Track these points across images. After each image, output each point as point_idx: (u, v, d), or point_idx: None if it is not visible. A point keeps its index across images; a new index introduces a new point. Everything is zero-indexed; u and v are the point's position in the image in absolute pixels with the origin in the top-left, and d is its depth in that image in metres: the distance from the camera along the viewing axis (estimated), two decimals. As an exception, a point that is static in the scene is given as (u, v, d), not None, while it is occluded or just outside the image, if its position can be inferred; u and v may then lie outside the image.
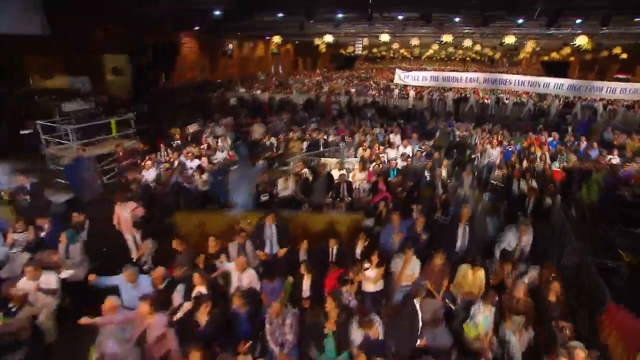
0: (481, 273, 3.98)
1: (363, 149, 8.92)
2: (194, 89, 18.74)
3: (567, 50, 25.43)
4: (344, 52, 41.16)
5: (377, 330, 3.11)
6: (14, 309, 3.60)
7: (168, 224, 5.43)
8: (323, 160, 7.76)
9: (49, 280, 3.91)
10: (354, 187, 6.64)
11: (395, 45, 31.70)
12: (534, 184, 6.90)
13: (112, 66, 14.58)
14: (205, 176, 6.96)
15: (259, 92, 20.19)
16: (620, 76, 26.59)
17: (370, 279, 3.90)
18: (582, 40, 16.27)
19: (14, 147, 8.02)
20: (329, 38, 20.61)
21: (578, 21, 13.04)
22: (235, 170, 7.24)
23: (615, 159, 8.44)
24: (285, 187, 6.52)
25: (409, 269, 3.97)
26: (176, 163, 7.60)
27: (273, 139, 9.63)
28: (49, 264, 4.14)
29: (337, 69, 43.86)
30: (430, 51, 39.43)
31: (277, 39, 23.90)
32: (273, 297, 3.66)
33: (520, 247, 4.40)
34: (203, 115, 13.08)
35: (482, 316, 3.41)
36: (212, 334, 2.95)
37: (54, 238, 4.66)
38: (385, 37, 20.14)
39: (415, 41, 21.25)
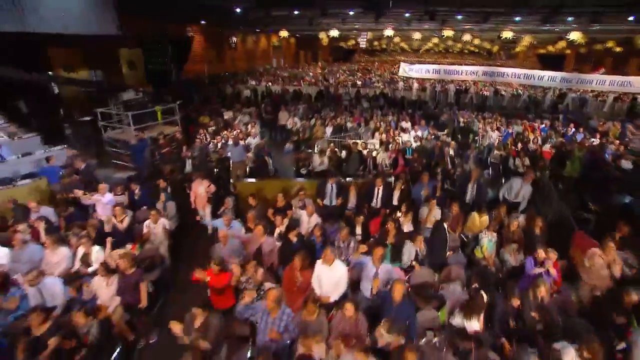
0: (485, 217, 5.44)
1: (380, 133, 10.36)
2: (208, 82, 19.95)
3: (562, 44, 26.92)
4: (344, 45, 42.25)
5: (423, 246, 4.56)
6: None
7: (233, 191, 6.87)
8: (353, 141, 9.18)
9: (165, 223, 5.32)
10: (377, 162, 8.10)
11: (397, 39, 33.08)
12: (527, 161, 8.41)
13: (128, 60, 15.40)
14: (250, 154, 8.38)
15: (269, 84, 21.44)
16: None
17: (404, 220, 5.36)
18: (575, 35, 17.84)
19: (75, 133, 9.31)
20: (335, 32, 21.90)
21: (570, 19, 14.51)
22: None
23: (596, 141, 9.98)
24: (322, 162, 7.96)
25: (433, 215, 5.44)
26: (219, 145, 9.00)
27: (299, 124, 11.03)
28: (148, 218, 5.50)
29: (336, 61, 45.14)
30: (430, 44, 40.73)
31: (283, 33, 25.09)
32: (333, 235, 5.09)
33: (522, 192, 5.86)
34: (223, 106, 14.43)
35: (487, 239, 4.89)
36: (300, 247, 4.35)
37: (143, 200, 6.03)
38: (389, 32, 21.46)
39: (417, 35, 22.68)
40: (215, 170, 7.75)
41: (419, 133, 10.42)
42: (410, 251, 4.45)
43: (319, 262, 3.82)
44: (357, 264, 4.19)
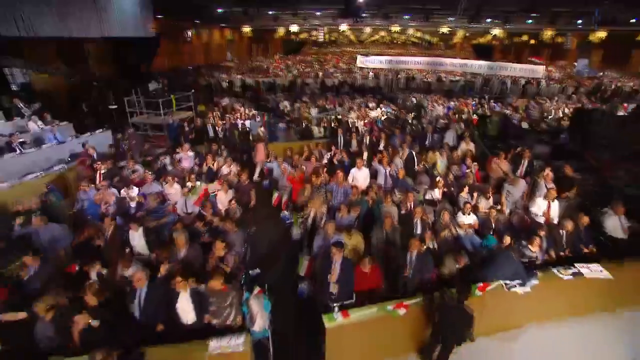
0: (437, 153, 8.95)
1: (354, 111, 13.73)
2: (182, 75, 21.82)
3: (489, 37, 32.61)
4: (295, 38, 45.11)
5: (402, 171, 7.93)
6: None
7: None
8: (342, 115, 12.44)
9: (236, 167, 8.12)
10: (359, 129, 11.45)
11: (348, 32, 36.86)
12: (462, 125, 12.29)
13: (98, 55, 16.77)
14: (262, 129, 11.26)
15: (239, 76, 23.80)
16: (536, 60, 34.77)
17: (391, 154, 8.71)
18: (496, 31, 22.79)
19: (106, 118, 11.37)
20: (295, 28, 24.93)
21: (488, 20, 19.12)
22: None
23: (508, 111, 14.32)
24: (319, 132, 11.11)
25: (405, 152, 8.84)
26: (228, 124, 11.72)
27: (288, 107, 14.02)
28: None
29: (288, 54, 47.94)
30: (377, 36, 45.19)
31: (247, 29, 27.53)
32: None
33: (462, 149, 9.52)
34: (210, 95, 16.82)
35: (440, 162, 8.40)
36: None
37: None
38: (344, 27, 25.03)
39: (367, 30, 26.52)
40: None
41: (384, 109, 13.97)
42: (397, 163, 7.81)
43: (354, 169, 7.01)
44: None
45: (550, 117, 14.30)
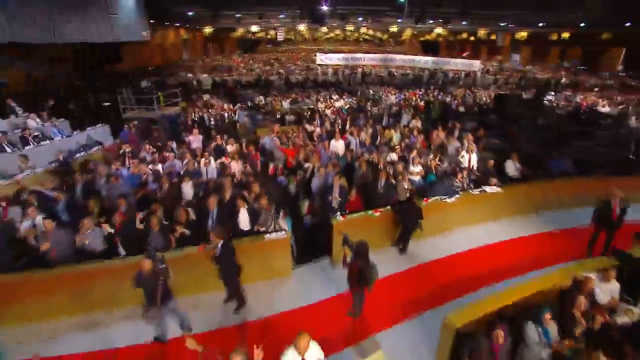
0: (392, 131, 11.74)
1: (321, 102, 16.29)
2: (148, 74, 23.05)
3: (434, 35, 36.83)
4: (251, 36, 46.78)
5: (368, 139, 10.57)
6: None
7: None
8: (312, 105, 14.92)
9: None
10: (329, 115, 14.01)
11: (303, 31, 39.34)
12: (411, 110, 15.32)
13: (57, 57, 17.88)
14: (247, 119, 13.43)
15: (205, 75, 25.43)
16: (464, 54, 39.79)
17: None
18: (439, 30, 26.48)
19: (100, 115, 12.89)
20: (255, 28, 26.99)
21: (430, 21, 22.65)
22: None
23: (448, 99, 17.68)
24: (292, 120, 13.53)
25: (368, 129, 11.51)
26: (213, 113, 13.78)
27: (263, 101, 16.27)
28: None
29: (244, 52, 49.49)
30: (332, 34, 48.21)
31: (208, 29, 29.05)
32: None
33: (411, 122, 12.36)
34: (187, 93, 18.52)
35: (395, 136, 11.16)
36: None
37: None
38: (302, 27, 27.52)
39: (323, 29, 29.25)
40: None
41: (346, 100, 16.69)
42: (362, 136, 10.43)
43: (332, 140, 9.51)
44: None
45: (481, 102, 17.86)
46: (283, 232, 5.88)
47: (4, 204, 6.29)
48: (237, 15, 19.84)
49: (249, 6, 18.56)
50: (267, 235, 5.80)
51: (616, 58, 33.00)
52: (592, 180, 8.43)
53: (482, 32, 35.80)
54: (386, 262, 6.16)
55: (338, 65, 27.87)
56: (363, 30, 28.49)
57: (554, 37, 34.76)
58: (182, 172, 7.95)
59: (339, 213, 6.45)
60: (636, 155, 10.73)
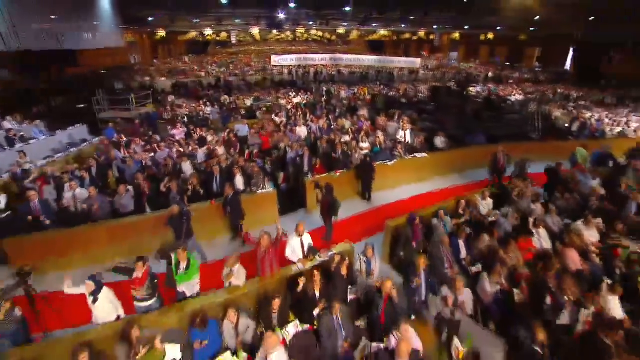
0: (344, 120, 14.32)
1: (281, 99, 18.58)
2: (107, 77, 23.84)
3: (379, 35, 40.47)
4: (200, 39, 47.66)
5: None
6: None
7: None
8: (274, 102, 17.14)
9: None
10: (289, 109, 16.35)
11: (255, 33, 41.30)
12: (360, 102, 18.09)
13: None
14: (218, 115, 15.35)
15: (163, 78, 26.56)
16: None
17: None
18: (383, 31, 29.79)
19: (76, 116, 14.16)
20: (209, 31, 28.63)
21: (374, 24, 25.80)
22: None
23: (393, 92, 20.76)
24: (259, 115, 15.69)
25: (325, 119, 13.99)
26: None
27: (228, 99, 18.21)
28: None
29: (194, 54, 50.16)
30: (282, 35, 50.49)
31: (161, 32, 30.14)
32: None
33: (363, 112, 15.02)
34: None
35: (346, 124, 13.73)
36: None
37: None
38: (255, 31, 29.59)
39: (274, 31, 31.49)
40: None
41: (303, 96, 19.13)
42: (320, 123, 12.90)
43: (296, 127, 11.84)
44: (309, 125, 12.40)
45: (420, 95, 21.15)
46: (270, 189, 8.14)
47: (39, 183, 7.89)
48: (195, 20, 21.46)
49: (208, 10, 20.30)
50: (259, 191, 8.02)
51: (533, 56, 38.80)
52: (497, 147, 11.55)
53: (421, 33, 40.15)
54: (352, 207, 8.73)
55: (292, 65, 30.24)
56: (313, 31, 31.09)
57: (482, 37, 39.99)
58: (175, 157, 9.87)
59: (309, 175, 8.82)
60: (534, 130, 14.27)
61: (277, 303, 4.54)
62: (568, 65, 35.15)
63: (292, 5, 19.99)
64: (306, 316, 4.62)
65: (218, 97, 18.57)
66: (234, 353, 4.34)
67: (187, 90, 21.26)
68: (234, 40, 33.22)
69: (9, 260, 6.70)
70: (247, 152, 11.74)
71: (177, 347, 4.45)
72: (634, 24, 20.71)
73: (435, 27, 30.53)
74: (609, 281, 5.35)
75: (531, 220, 6.76)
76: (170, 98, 17.91)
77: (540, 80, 29.65)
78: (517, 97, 20.51)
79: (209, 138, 11.91)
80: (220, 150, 10.66)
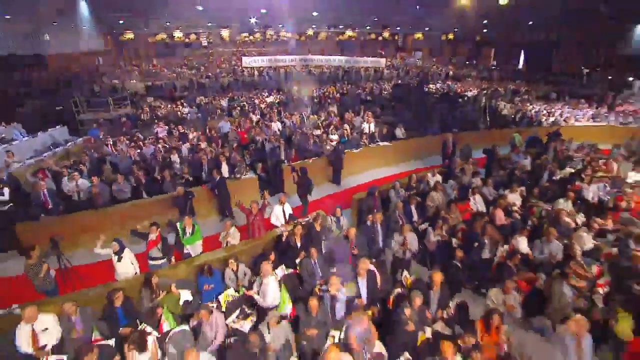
0: (315, 117, 15.73)
1: (255, 99, 19.77)
2: (81, 82, 24.04)
3: (346, 36, 42.24)
4: (168, 40, 47.48)
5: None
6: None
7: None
8: (248, 102, 18.29)
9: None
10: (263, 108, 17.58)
11: (225, 35, 41.94)
12: (330, 100, 19.59)
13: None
14: (196, 115, 16.37)
15: (133, 81, 26.91)
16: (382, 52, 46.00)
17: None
18: (349, 32, 31.47)
19: (54, 118, 14.76)
20: (178, 33, 29.30)
21: (340, 26, 27.37)
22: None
23: (359, 91, 22.42)
24: (236, 114, 16.83)
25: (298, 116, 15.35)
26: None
27: (204, 100, 19.20)
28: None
29: (161, 57, 49.86)
30: (251, 37, 51.32)
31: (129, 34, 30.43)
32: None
33: (331, 108, 16.47)
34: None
35: (317, 119, 15.15)
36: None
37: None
38: (225, 33, 30.51)
39: (245, 33, 32.52)
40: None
41: (276, 96, 20.41)
42: (294, 118, 14.25)
43: (272, 123, 13.13)
44: (284, 121, 13.71)
45: (384, 92, 22.94)
46: (252, 175, 9.41)
47: (41, 175, 8.77)
48: (167, 24, 22.22)
49: (179, 15, 21.13)
50: (242, 177, 9.27)
51: (490, 56, 41.90)
52: (446, 135, 13.33)
53: (386, 34, 42.32)
54: (324, 190, 10.19)
55: (262, 66, 31.32)
56: (282, 33, 32.36)
57: (444, 37, 42.67)
58: (164, 151, 10.93)
59: (285, 162, 10.16)
60: (483, 121, 16.25)
61: (273, 256, 5.86)
62: (521, 63, 38.39)
63: (263, 11, 21.20)
64: (290, 262, 5.94)
65: (193, 98, 19.50)
66: (236, 291, 5.63)
67: (162, 93, 21.97)
68: (204, 42, 33.82)
69: (21, 244, 7.59)
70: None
71: (189, 291, 5.69)
72: (569, 26, 23.43)
73: (398, 28, 32.50)
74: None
75: (470, 190, 8.43)
76: (149, 99, 18.69)
77: (495, 78, 32.32)
78: (472, 93, 22.70)
79: (191, 135, 12.98)
80: (204, 144, 11.78)
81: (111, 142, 11.75)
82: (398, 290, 5.19)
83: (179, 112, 16.14)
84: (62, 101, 15.43)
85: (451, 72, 34.83)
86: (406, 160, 12.77)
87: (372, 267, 5.15)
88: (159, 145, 11.72)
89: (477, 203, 8.18)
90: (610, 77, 24.90)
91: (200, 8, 18.90)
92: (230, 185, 8.81)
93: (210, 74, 31.28)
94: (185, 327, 4.96)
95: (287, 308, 5.07)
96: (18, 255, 7.41)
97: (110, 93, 17.19)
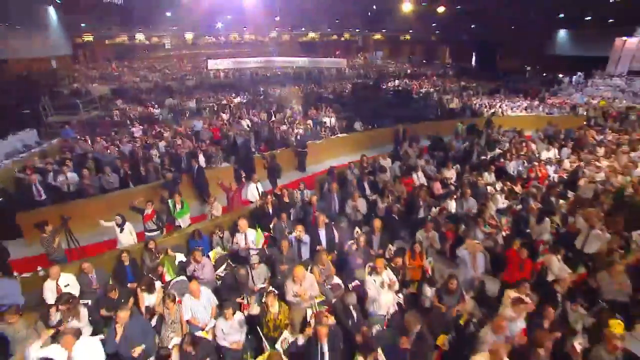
0: (281, 114, 17.22)
1: (223, 99, 20.99)
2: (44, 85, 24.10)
3: (309, 37, 43.93)
4: (126, 42, 47.35)
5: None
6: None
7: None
8: (216, 102, 19.48)
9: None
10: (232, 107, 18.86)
11: (188, 37, 42.53)
12: (294, 99, 21.14)
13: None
14: (169, 116, 17.39)
15: (95, 84, 27.21)
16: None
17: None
18: (311, 34, 33.15)
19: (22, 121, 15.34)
20: (140, 36, 29.88)
21: (302, 29, 29.01)
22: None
23: (322, 90, 24.13)
24: (206, 114, 18.01)
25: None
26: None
27: (174, 102, 20.19)
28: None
29: (118, 59, 49.51)
30: (215, 39, 52.01)
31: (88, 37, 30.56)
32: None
33: (296, 107, 18.01)
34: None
35: (294, 111, 16.66)
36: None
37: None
38: (189, 36, 31.35)
39: (210, 37, 33.42)
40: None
41: (242, 96, 21.72)
42: (262, 116, 15.69)
43: (241, 120, 14.49)
44: (252, 118, 15.12)
45: (345, 90, 24.79)
46: (227, 164, 10.77)
47: (29, 171, 9.69)
48: (138, 29, 22.92)
49: (147, 19, 21.92)
50: (218, 166, 10.62)
51: (445, 55, 45.09)
52: (397, 126, 15.25)
53: (347, 35, 44.49)
54: (291, 176, 11.67)
55: (228, 68, 32.40)
56: (246, 35, 33.57)
57: (402, 38, 45.40)
58: (140, 148, 12.03)
59: (256, 153, 11.60)
60: (433, 113, 18.38)
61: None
62: (473, 62, 41.79)
63: (228, 17, 22.36)
64: (265, 226, 7.41)
65: (163, 100, 20.43)
66: (223, 250, 7.03)
67: (130, 95, 22.67)
68: (167, 45, 34.39)
69: (22, 232, 8.56)
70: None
71: (182, 254, 7.03)
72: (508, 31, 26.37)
73: (357, 30, 34.63)
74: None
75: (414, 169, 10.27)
76: (117, 102, 19.45)
77: (449, 75, 35.17)
78: (426, 89, 25.03)
79: (166, 134, 14.10)
80: (179, 141, 12.97)
81: (89, 141, 12.64)
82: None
83: (150, 113, 17.12)
84: (27, 105, 15.95)
85: (409, 71, 37.44)
86: (364, 149, 14.40)
87: (327, 221, 6.73)
88: (137, 144, 12.79)
89: (419, 178, 9.99)
90: (545, 74, 28.16)
91: (168, 14, 19.80)
92: (208, 173, 10.12)
93: (175, 76, 32.02)
94: (183, 277, 6.31)
95: (261, 242, 6.66)
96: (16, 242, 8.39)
97: (76, 96, 17.81)
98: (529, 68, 33.78)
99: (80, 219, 8.77)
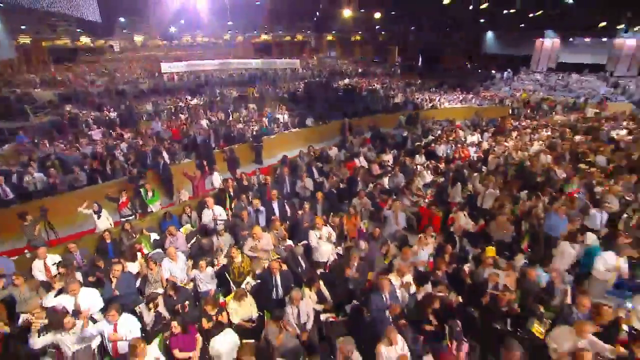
0: (237, 113, 18.48)
1: (180, 102, 21.86)
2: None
3: (262, 39, 45.10)
4: (67, 45, 45.55)
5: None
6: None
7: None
8: (173, 105, 20.34)
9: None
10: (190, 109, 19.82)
11: (138, 40, 42.28)
12: (250, 99, 22.41)
13: None
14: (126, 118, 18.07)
15: (38, 89, 26.72)
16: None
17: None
18: (264, 36, 34.45)
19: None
20: (85, 39, 29.73)
21: (255, 32, 30.26)
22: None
23: (278, 90, 25.57)
24: (165, 116, 18.89)
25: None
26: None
27: (129, 105, 20.79)
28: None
29: (57, 62, 47.54)
30: (165, 42, 51.77)
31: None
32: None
33: (251, 107, 19.30)
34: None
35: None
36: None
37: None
38: (138, 38, 31.62)
39: (164, 40, 33.79)
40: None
41: (199, 98, 22.70)
42: (220, 115, 16.91)
43: (201, 120, 15.64)
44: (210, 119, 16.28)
45: (299, 89, 26.37)
46: (189, 160, 11.99)
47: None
48: (79, 31, 23.08)
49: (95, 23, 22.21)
50: (182, 162, 11.80)
51: (394, 54, 48.00)
52: (344, 120, 17.04)
53: (300, 37, 46.17)
54: (249, 168, 12.99)
55: (182, 71, 32.87)
56: (199, 38, 34.24)
57: (353, 39, 47.76)
58: (103, 149, 12.88)
59: (216, 149, 12.88)
60: (379, 107, 20.40)
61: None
62: (420, 61, 44.97)
63: (182, 21, 23.15)
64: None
65: (118, 103, 20.95)
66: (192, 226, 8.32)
67: (78, 99, 22.86)
68: (116, 48, 34.22)
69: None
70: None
71: (155, 234, 8.24)
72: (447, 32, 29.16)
73: (308, 32, 36.38)
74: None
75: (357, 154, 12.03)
76: (68, 107, 19.75)
77: (397, 74, 37.84)
78: (375, 86, 27.21)
79: (126, 135, 14.93)
80: (141, 142, 13.92)
81: (47, 145, 13.26)
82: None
83: (107, 117, 17.71)
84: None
85: (360, 69, 39.73)
86: (314, 142, 16.11)
87: (280, 197, 8.25)
88: (97, 146, 13.57)
89: (361, 162, 11.76)
90: (480, 70, 31.44)
91: (122, 19, 20.33)
92: (172, 168, 11.27)
93: (126, 80, 32.00)
94: (159, 250, 7.56)
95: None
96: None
97: (22, 102, 18.08)
98: (469, 65, 37.18)
99: (54, 215, 9.65)
